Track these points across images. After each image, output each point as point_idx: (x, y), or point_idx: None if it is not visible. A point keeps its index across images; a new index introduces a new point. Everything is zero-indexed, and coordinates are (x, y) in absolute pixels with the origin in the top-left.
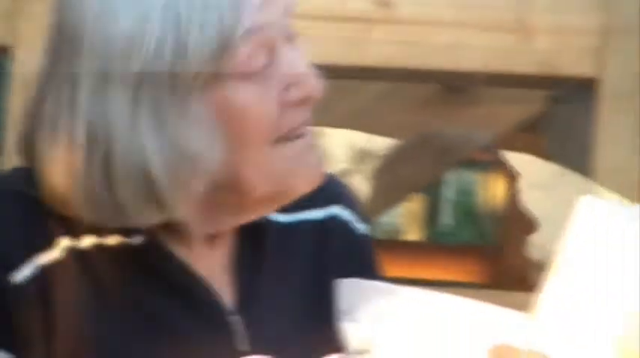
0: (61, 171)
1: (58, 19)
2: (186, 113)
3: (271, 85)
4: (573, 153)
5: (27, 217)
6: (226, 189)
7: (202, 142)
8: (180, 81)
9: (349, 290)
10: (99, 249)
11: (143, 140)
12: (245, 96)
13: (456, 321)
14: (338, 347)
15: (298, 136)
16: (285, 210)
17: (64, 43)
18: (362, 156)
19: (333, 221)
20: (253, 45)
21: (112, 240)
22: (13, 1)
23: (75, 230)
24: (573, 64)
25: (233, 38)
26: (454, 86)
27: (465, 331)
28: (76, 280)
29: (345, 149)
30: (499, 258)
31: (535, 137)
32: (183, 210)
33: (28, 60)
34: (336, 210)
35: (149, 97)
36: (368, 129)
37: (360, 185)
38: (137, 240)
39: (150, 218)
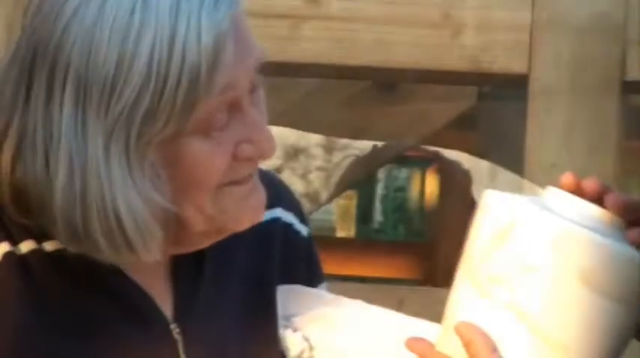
0: (36, 191)
1: (35, 37)
2: (144, 163)
3: (227, 142)
4: (504, 149)
5: None
6: (167, 224)
7: (156, 191)
8: (147, 132)
9: (288, 297)
10: (37, 254)
11: (115, 185)
12: (199, 150)
13: (387, 330)
14: (279, 352)
15: (243, 182)
16: None
17: (42, 64)
18: (293, 152)
19: (276, 224)
20: (219, 104)
21: (50, 246)
22: None
23: (14, 235)
24: (503, 61)
25: (204, 98)
26: (385, 83)
27: (395, 338)
28: (13, 285)
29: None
30: (431, 255)
31: (465, 134)
32: (147, 253)
33: None
34: (278, 213)
35: (119, 143)
36: (299, 126)
37: (291, 182)
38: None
39: (122, 258)
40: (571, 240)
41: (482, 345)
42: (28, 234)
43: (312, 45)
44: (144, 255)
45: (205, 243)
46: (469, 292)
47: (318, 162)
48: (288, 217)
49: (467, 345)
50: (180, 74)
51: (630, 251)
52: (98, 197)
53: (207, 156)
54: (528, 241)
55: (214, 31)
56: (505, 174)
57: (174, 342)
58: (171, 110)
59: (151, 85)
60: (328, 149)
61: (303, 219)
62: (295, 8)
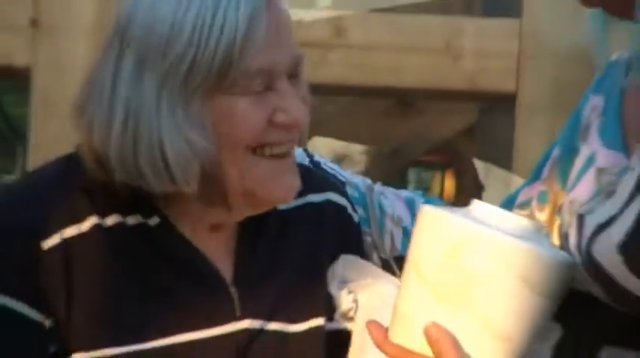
0: (101, 136)
1: (115, 16)
2: (189, 110)
3: (264, 106)
4: (498, 156)
5: (58, 198)
6: (214, 184)
7: (198, 135)
8: (190, 84)
9: (347, 264)
10: (120, 227)
11: (161, 124)
12: (238, 107)
13: None
14: (323, 309)
15: (278, 156)
16: None
17: (115, 33)
18: (341, 159)
19: (329, 205)
20: (255, 73)
21: (133, 219)
22: (32, 28)
23: (103, 210)
24: (495, 82)
25: (238, 62)
26: (404, 100)
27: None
28: (98, 252)
29: (326, 153)
30: None
31: (467, 142)
32: (186, 184)
33: (47, 81)
34: (330, 196)
35: (168, 91)
36: (336, 137)
37: None
38: (153, 221)
39: (162, 185)
40: (515, 254)
41: (447, 343)
42: (115, 210)
43: (337, 69)
44: (183, 186)
45: (247, 212)
46: (425, 295)
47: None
48: (341, 201)
49: (434, 342)
50: (220, 37)
51: (560, 254)
52: (147, 135)
53: (245, 113)
54: (478, 257)
55: (251, 7)
56: (497, 172)
57: (231, 302)
58: (210, 67)
59: (195, 44)
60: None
61: (353, 208)
62: (323, 38)
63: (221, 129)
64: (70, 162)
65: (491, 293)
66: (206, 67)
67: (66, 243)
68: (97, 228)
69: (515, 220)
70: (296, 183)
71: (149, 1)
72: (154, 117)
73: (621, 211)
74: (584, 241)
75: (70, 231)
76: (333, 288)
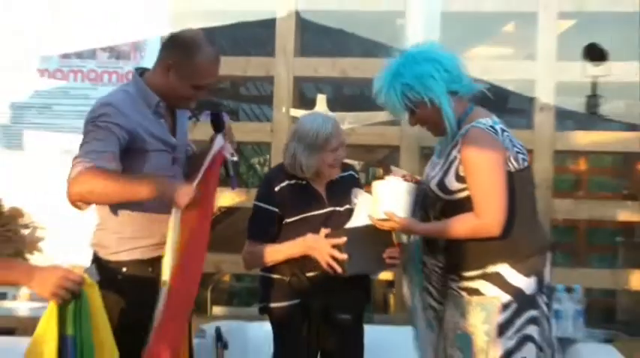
0: (287, 160)
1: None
2: (313, 155)
3: (333, 154)
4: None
5: (278, 173)
6: (318, 171)
7: (316, 161)
8: (315, 146)
9: (355, 190)
10: (294, 184)
11: (303, 155)
12: (327, 156)
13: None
14: (348, 202)
15: (335, 166)
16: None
17: (290, 131)
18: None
19: (350, 176)
20: (335, 146)
21: (299, 182)
22: (270, 132)
23: (289, 178)
24: (392, 140)
25: (330, 143)
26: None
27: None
28: (291, 190)
29: None
30: None
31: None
32: (311, 173)
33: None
34: (351, 172)
35: (308, 149)
36: None
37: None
38: (303, 182)
39: (305, 174)
40: (397, 187)
41: (392, 213)
42: (292, 178)
43: None
44: (310, 174)
45: (328, 178)
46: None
47: None
48: (355, 175)
49: (389, 214)
50: (323, 134)
51: (411, 183)
52: (302, 160)
53: (328, 157)
54: (387, 193)
55: (330, 127)
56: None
57: (324, 203)
58: (320, 142)
59: (316, 135)
60: None
61: (357, 174)
62: None
63: (322, 159)
64: (281, 165)
65: (392, 200)
66: (320, 142)
67: (281, 187)
68: (287, 184)
69: (395, 179)
70: (337, 172)
71: (302, 124)
72: (301, 155)
73: (436, 173)
74: (427, 181)
75: (281, 184)
76: (352, 196)
